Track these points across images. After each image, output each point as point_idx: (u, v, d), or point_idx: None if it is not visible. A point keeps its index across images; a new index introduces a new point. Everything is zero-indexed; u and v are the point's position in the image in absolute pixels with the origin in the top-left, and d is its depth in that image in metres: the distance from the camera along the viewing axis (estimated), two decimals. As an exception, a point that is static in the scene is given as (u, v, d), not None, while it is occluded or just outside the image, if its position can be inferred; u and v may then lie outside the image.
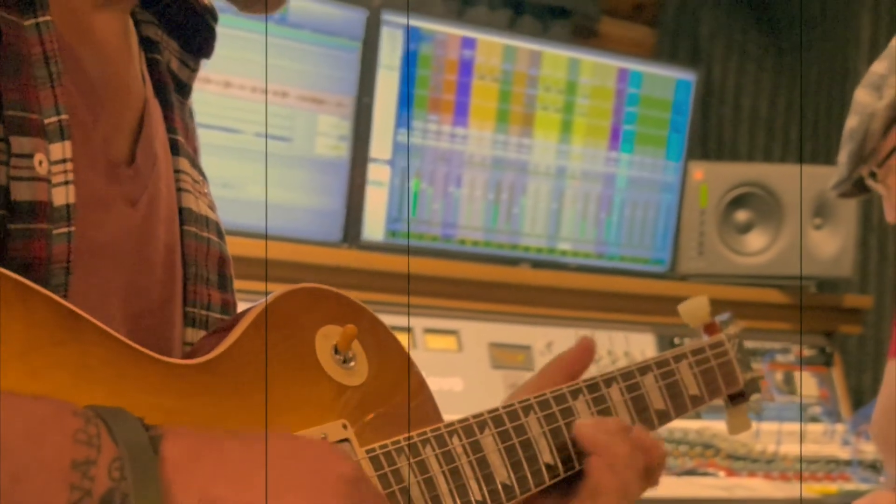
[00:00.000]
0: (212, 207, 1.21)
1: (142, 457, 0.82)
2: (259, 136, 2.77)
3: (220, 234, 1.20)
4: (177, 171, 1.15)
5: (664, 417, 1.34)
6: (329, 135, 2.86)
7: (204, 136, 2.84)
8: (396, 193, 2.96)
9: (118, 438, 0.81)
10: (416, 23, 2.98)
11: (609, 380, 1.29)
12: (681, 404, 1.36)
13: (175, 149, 1.15)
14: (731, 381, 1.45)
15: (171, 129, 1.15)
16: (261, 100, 2.76)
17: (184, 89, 1.20)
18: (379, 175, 2.93)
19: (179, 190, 1.14)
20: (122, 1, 1.07)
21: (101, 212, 1.00)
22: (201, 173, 1.22)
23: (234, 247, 2.57)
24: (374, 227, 2.93)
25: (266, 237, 2.70)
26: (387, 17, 2.92)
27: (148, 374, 0.92)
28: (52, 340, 0.85)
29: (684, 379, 1.37)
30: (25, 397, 0.80)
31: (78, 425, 0.80)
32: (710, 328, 1.50)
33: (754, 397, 1.52)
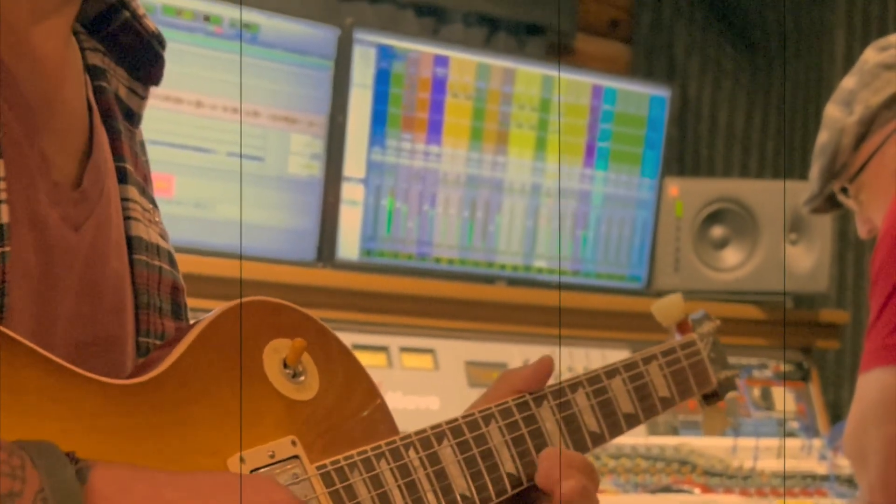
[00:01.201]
0: (163, 236, 1.19)
1: (67, 489, 0.81)
2: (231, 156, 2.75)
3: (172, 263, 1.19)
4: (125, 199, 1.13)
5: (633, 420, 1.33)
6: (302, 154, 2.85)
7: (176, 156, 2.83)
8: (371, 212, 2.95)
9: (43, 471, 0.80)
10: (388, 41, 2.97)
11: (574, 385, 1.28)
12: (650, 406, 1.35)
13: (123, 177, 1.14)
14: (704, 381, 1.44)
15: (118, 157, 1.14)
16: (233, 119, 2.75)
17: (133, 117, 1.19)
18: (353, 194, 2.92)
19: (128, 218, 1.13)
20: (58, 16, 1.05)
21: (40, 233, 0.98)
22: (152, 202, 1.20)
23: (206, 267, 2.56)
24: (348, 246, 2.92)
25: (241, 258, 2.68)
26: (359, 35, 2.91)
27: (86, 395, 0.91)
28: None
29: (654, 381, 1.36)
30: None
31: (1, 458, 0.79)
32: (683, 327, 1.48)
33: (730, 395, 1.50)
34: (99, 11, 1.14)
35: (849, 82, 2.37)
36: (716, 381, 1.46)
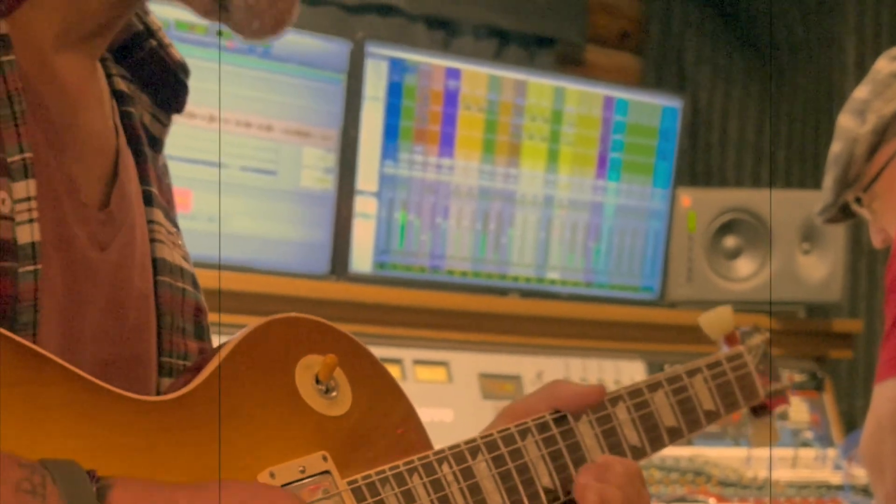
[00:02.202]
0: (186, 258, 1.20)
1: None
2: (245, 171, 2.76)
3: (195, 285, 1.20)
4: (150, 222, 1.15)
5: (676, 434, 1.32)
6: (315, 167, 2.85)
7: (189, 171, 2.84)
8: (383, 225, 2.96)
9: (63, 489, 0.81)
10: (400, 54, 2.98)
11: (615, 398, 1.28)
12: (694, 420, 1.35)
13: (148, 200, 1.15)
14: (751, 393, 1.43)
15: (144, 180, 1.15)
16: (246, 133, 2.76)
17: (156, 143, 1.20)
18: (365, 207, 2.93)
19: (153, 240, 1.14)
20: (86, 46, 1.06)
21: (67, 252, 1.00)
22: (175, 225, 1.21)
23: (220, 281, 2.55)
24: (361, 259, 2.93)
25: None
26: (371, 48, 2.92)
27: (112, 412, 0.92)
28: (7, 381, 0.85)
29: (698, 394, 1.36)
30: None
31: (22, 475, 0.80)
32: (731, 339, 1.47)
33: (780, 408, 1.49)
34: (126, 39, 1.15)
35: (861, 92, 2.37)
36: (764, 394, 1.45)
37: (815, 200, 3.40)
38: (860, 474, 3.01)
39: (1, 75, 0.93)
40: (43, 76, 1.01)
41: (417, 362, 2.85)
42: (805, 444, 3.26)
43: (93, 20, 1.05)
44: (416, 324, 2.89)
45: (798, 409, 3.34)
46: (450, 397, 2.84)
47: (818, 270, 3.41)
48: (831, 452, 3.23)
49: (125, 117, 1.15)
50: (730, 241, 3.40)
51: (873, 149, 2.34)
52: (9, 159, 0.92)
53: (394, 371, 2.74)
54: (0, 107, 0.93)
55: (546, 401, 1.25)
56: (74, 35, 1.04)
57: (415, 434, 1.14)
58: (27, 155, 0.93)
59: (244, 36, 1.07)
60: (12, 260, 0.91)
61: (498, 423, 1.24)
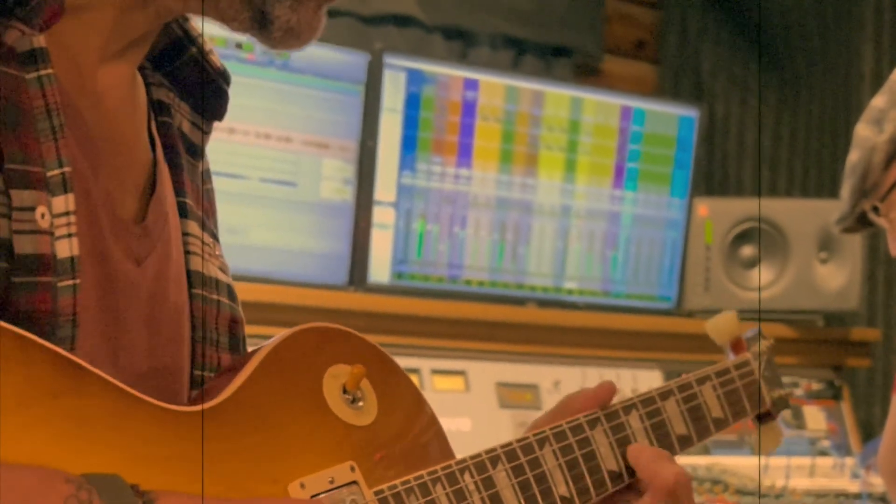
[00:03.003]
0: (223, 269, 1.21)
1: None
2: (264, 182, 2.78)
3: (231, 296, 1.20)
4: (185, 234, 1.15)
5: (686, 442, 1.34)
6: (333, 178, 2.87)
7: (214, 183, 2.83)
8: (401, 235, 2.98)
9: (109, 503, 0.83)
10: (418, 65, 3.00)
11: (628, 407, 1.29)
12: (704, 428, 1.36)
13: (184, 212, 1.16)
14: (757, 401, 1.44)
15: (179, 191, 1.16)
16: (265, 146, 2.78)
17: (195, 151, 1.20)
18: (384, 217, 2.95)
19: (188, 252, 1.15)
20: (124, 58, 1.07)
21: (104, 267, 1.01)
22: (213, 235, 1.22)
23: (240, 292, 2.58)
24: (379, 269, 2.94)
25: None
26: (389, 60, 2.94)
27: (149, 422, 0.93)
28: (50, 392, 0.87)
29: (707, 402, 1.37)
30: (16, 467, 0.82)
31: (69, 491, 0.81)
32: (737, 346, 1.48)
33: (783, 414, 1.50)
34: (166, 46, 1.16)
35: (879, 101, 2.37)
36: (769, 401, 1.46)
37: (831, 209, 3.41)
38: (878, 483, 3.01)
39: (40, 89, 0.94)
40: (82, 89, 1.02)
41: (435, 372, 2.86)
42: (823, 453, 3.26)
43: (133, 32, 1.06)
44: (434, 333, 2.90)
45: (816, 418, 3.34)
46: (467, 406, 2.86)
47: (836, 279, 3.41)
48: (849, 461, 3.23)
49: (162, 127, 1.15)
50: (747, 251, 3.41)
51: (891, 158, 2.34)
52: (48, 174, 0.93)
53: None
54: (39, 121, 0.93)
55: (561, 415, 1.27)
56: (115, 46, 1.05)
57: (437, 443, 1.15)
58: (66, 169, 0.94)
59: (275, 48, 1.09)
60: (52, 274, 0.92)
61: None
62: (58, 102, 0.95)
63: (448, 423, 2.75)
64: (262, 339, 2.66)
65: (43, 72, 0.94)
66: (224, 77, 1.19)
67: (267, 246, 2.79)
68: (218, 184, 2.68)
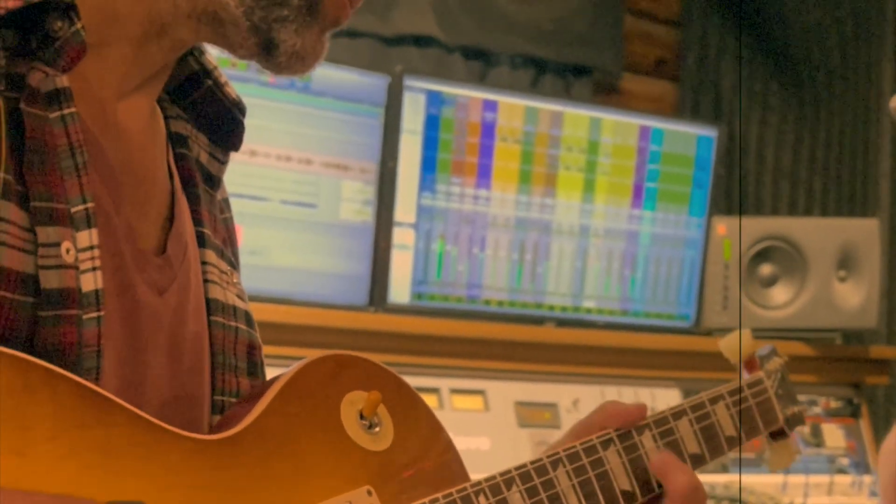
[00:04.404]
0: (241, 296, 1.23)
1: None
2: (285, 204, 2.81)
3: (249, 323, 1.23)
4: (204, 263, 1.18)
5: (699, 461, 1.34)
6: (354, 200, 2.90)
7: (231, 205, 2.86)
8: (421, 256, 3.00)
9: None
10: (437, 87, 3.03)
11: (641, 427, 1.30)
12: (716, 447, 1.36)
13: (202, 241, 1.18)
14: (771, 419, 1.45)
15: (198, 221, 1.18)
16: (286, 168, 2.81)
17: (213, 181, 1.23)
18: (404, 238, 2.97)
19: (206, 281, 1.17)
20: (143, 91, 1.10)
21: (129, 298, 1.03)
22: (231, 263, 1.25)
23: (261, 313, 2.60)
24: (399, 290, 2.97)
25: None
26: (408, 82, 2.97)
27: (173, 451, 0.96)
28: (78, 424, 0.89)
29: (720, 421, 1.38)
30: (47, 497, 0.85)
31: None
32: (750, 364, 1.49)
33: (802, 431, 1.50)
34: (183, 79, 1.19)
35: None
36: (783, 419, 1.47)
37: (849, 227, 3.43)
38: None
39: (63, 128, 0.96)
40: (104, 125, 1.05)
41: (454, 391, 2.88)
42: (841, 471, 3.27)
43: (150, 65, 1.09)
44: (453, 353, 2.92)
45: (834, 436, 3.35)
46: (486, 426, 2.87)
47: (854, 297, 3.42)
48: (867, 479, 3.24)
49: (180, 159, 1.18)
50: (765, 269, 3.42)
51: None
52: (72, 210, 0.95)
53: (431, 400, 2.78)
54: (63, 158, 0.96)
55: (600, 419, 1.29)
56: (133, 81, 1.08)
57: (453, 467, 1.17)
58: (89, 205, 0.97)
59: (280, 74, 1.11)
60: (77, 308, 0.94)
61: (560, 443, 1.28)
62: (80, 140, 0.98)
63: (467, 443, 2.79)
64: (283, 360, 2.67)
65: (66, 111, 0.97)
66: (239, 108, 1.22)
67: (288, 267, 2.82)
68: (239, 206, 2.74)
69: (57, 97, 0.97)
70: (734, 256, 3.37)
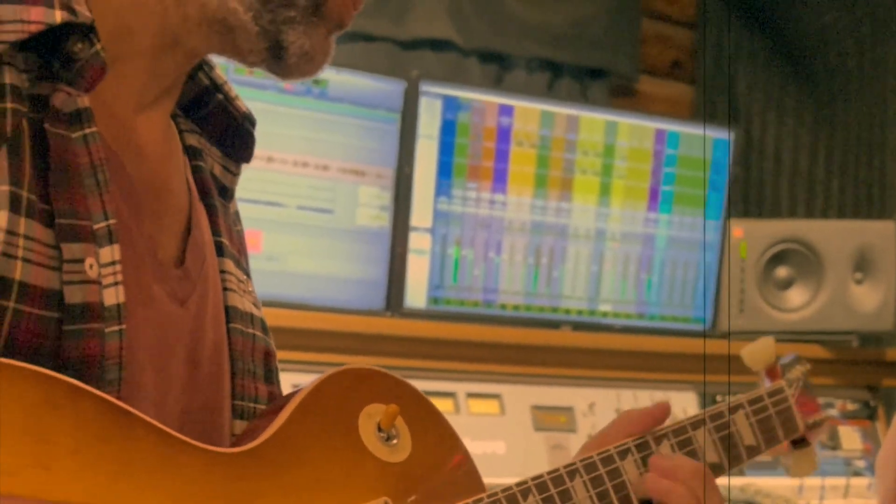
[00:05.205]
0: (256, 305, 1.25)
1: None
2: (301, 209, 2.83)
3: (264, 330, 1.25)
4: (222, 272, 1.20)
5: (718, 470, 1.35)
6: (370, 205, 2.91)
7: (247, 211, 2.89)
8: (437, 261, 3.01)
9: None
10: (453, 92, 3.04)
11: (659, 437, 1.31)
12: (735, 456, 1.37)
13: (220, 250, 1.21)
14: (791, 427, 1.45)
15: (215, 231, 1.21)
16: (303, 174, 2.83)
17: (226, 193, 1.25)
18: (420, 243, 2.99)
19: (225, 289, 1.20)
20: (159, 105, 1.12)
21: (151, 309, 1.06)
22: (245, 273, 1.27)
23: (278, 318, 2.61)
24: (415, 294, 2.98)
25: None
26: (425, 87, 2.98)
27: (193, 464, 0.98)
28: (99, 437, 0.92)
29: (740, 430, 1.39)
30: None
31: None
32: (772, 372, 1.49)
33: (819, 439, 1.51)
34: (194, 95, 1.21)
35: None
36: (803, 427, 1.47)
37: (866, 230, 3.43)
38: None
39: (85, 147, 0.99)
40: (124, 141, 1.07)
41: (470, 395, 2.89)
42: (857, 474, 3.27)
43: (165, 78, 1.11)
44: (470, 357, 2.93)
45: (850, 438, 3.35)
46: (502, 430, 2.88)
47: (871, 300, 3.42)
48: (883, 482, 3.23)
49: (195, 171, 1.20)
50: (782, 272, 3.42)
51: None
52: (95, 226, 0.98)
53: (447, 404, 2.79)
54: (85, 177, 0.98)
55: (621, 429, 1.31)
56: (149, 95, 1.10)
57: (470, 478, 1.18)
58: (111, 221, 0.99)
59: (289, 77, 1.13)
60: (100, 321, 0.96)
61: (578, 454, 1.29)
62: (101, 158, 1.00)
63: (483, 447, 2.79)
64: (299, 364, 2.69)
65: (87, 130, 0.99)
66: (249, 120, 1.24)
67: (305, 273, 2.84)
68: (256, 212, 2.77)
69: (79, 117, 0.99)
70: (750, 259, 3.37)
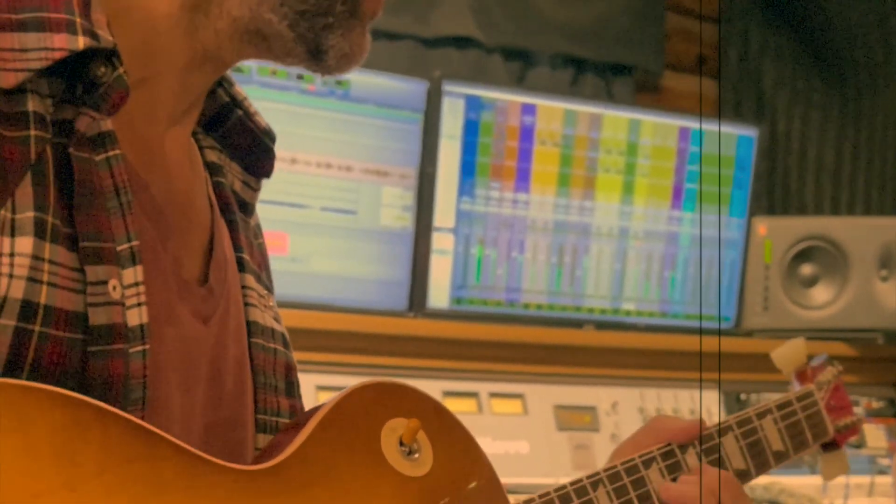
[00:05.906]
0: (277, 319, 1.26)
1: None
2: (325, 211, 2.84)
3: (285, 344, 1.26)
4: (243, 287, 1.21)
5: (745, 477, 1.35)
6: (393, 206, 2.92)
7: (271, 212, 2.92)
8: (460, 261, 3.02)
9: None
10: (476, 91, 3.04)
11: (684, 445, 1.31)
12: (763, 462, 1.37)
13: (242, 266, 1.21)
14: (821, 431, 1.45)
15: (237, 247, 1.21)
16: (326, 175, 2.84)
17: (247, 208, 1.26)
18: (443, 243, 2.99)
19: (247, 305, 1.20)
20: (181, 124, 1.13)
21: (175, 329, 1.06)
22: (266, 287, 1.27)
23: (302, 320, 2.63)
24: (438, 295, 2.99)
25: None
26: (447, 87, 2.98)
27: (218, 483, 0.98)
28: (125, 458, 0.92)
29: (768, 435, 1.38)
30: None
31: None
32: (802, 375, 1.49)
33: (851, 440, 1.50)
34: (214, 111, 1.21)
35: None
36: (833, 431, 1.47)
37: (892, 227, 3.42)
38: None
39: (108, 170, 1.00)
40: (149, 160, 1.08)
41: (493, 395, 2.89)
42: (882, 472, 3.26)
43: (193, 93, 1.12)
44: (493, 357, 2.93)
45: (875, 436, 3.34)
46: (525, 429, 2.88)
47: (896, 297, 3.41)
48: (909, 480, 3.22)
49: (216, 187, 1.21)
50: (806, 269, 3.42)
51: None
52: (118, 248, 0.98)
53: (470, 404, 2.80)
54: (108, 199, 0.99)
55: (653, 435, 1.30)
56: (178, 112, 1.11)
57: (492, 490, 1.18)
58: (134, 243, 1.00)
59: (329, 74, 1.13)
60: (124, 342, 0.97)
61: (610, 461, 1.29)
62: (125, 180, 1.01)
63: (506, 447, 2.80)
64: (324, 366, 2.68)
65: (111, 153, 1.00)
66: (269, 136, 1.24)
67: (328, 274, 2.85)
68: (280, 213, 2.77)
69: (102, 140, 1.00)
70: (775, 256, 3.37)
